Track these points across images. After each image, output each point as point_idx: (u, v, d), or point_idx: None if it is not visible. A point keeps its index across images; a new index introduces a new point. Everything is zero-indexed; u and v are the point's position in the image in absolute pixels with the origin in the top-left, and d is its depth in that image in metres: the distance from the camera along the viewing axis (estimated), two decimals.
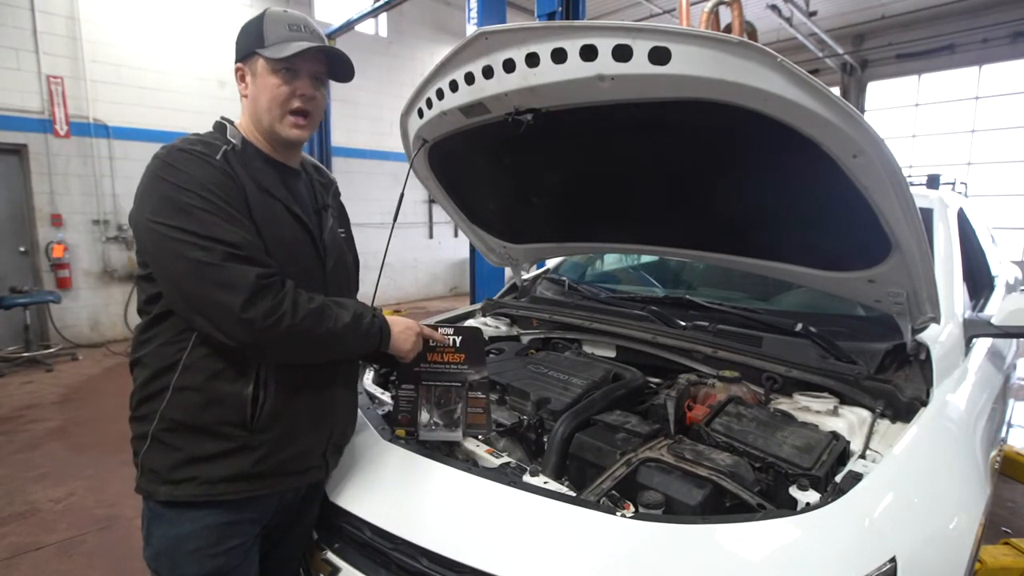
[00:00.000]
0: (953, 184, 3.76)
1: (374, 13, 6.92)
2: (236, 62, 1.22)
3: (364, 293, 1.57)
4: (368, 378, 1.93)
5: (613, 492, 1.23)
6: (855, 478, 1.13)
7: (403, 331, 1.31)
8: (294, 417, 1.16)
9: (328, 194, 1.37)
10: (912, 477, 1.20)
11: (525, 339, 2.33)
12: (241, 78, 1.22)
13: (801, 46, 10.65)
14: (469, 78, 1.43)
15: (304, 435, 1.19)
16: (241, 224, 1.06)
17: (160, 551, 1.10)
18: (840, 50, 10.96)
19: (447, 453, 1.44)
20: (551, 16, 4.16)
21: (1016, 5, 9.43)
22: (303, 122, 1.20)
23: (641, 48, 1.14)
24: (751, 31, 3.68)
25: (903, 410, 1.40)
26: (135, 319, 1.21)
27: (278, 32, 1.16)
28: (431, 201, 10.25)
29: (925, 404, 1.40)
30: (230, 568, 1.16)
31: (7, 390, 5.21)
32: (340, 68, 1.25)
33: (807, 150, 1.19)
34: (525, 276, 2.65)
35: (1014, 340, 2.33)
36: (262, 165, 1.19)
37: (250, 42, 1.18)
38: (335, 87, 8.36)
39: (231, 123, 1.23)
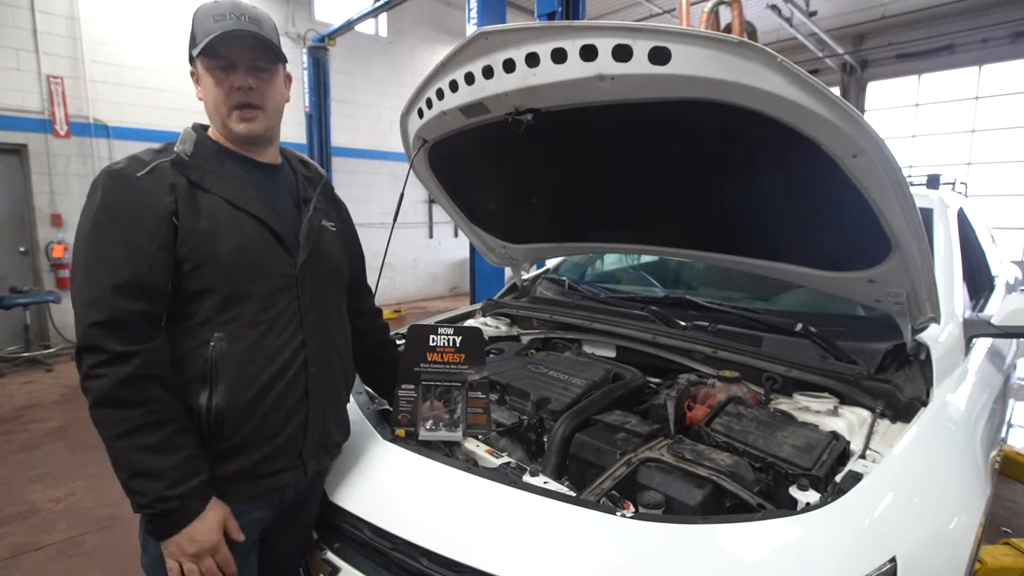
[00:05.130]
0: (953, 184, 3.77)
1: (374, 13, 6.93)
2: (190, 65, 1.19)
3: None
4: None
5: (613, 492, 1.23)
6: (855, 478, 1.13)
7: (202, 530, 1.04)
8: (253, 423, 1.12)
9: (314, 188, 1.34)
10: (912, 477, 1.20)
11: (525, 339, 2.33)
12: (196, 82, 1.19)
13: (801, 46, 10.65)
14: (469, 78, 1.43)
15: (268, 439, 1.15)
16: (134, 252, 1.03)
17: (158, 557, 1.08)
18: (840, 50, 10.95)
19: (447, 453, 1.44)
20: (551, 16, 4.16)
21: (1016, 5, 9.42)
22: (249, 114, 1.16)
23: (641, 48, 1.14)
24: (751, 31, 3.68)
25: (903, 410, 1.40)
26: None
27: (205, 27, 1.11)
28: (431, 201, 10.25)
29: (925, 404, 1.40)
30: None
31: (7, 390, 5.21)
32: (276, 49, 1.17)
33: (807, 150, 1.19)
34: (525, 276, 2.65)
35: (1014, 340, 2.33)
36: (231, 165, 1.18)
37: (189, 43, 1.15)
38: (335, 87, 8.37)
39: (203, 127, 1.22)
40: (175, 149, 1.14)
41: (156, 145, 1.16)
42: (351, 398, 1.61)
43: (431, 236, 10.88)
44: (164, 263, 1.06)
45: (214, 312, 1.10)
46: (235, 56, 1.13)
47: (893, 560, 0.98)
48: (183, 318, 1.10)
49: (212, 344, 1.09)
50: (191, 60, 1.17)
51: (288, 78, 1.28)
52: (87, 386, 1.01)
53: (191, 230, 1.08)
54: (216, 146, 1.20)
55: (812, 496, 1.12)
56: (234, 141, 1.21)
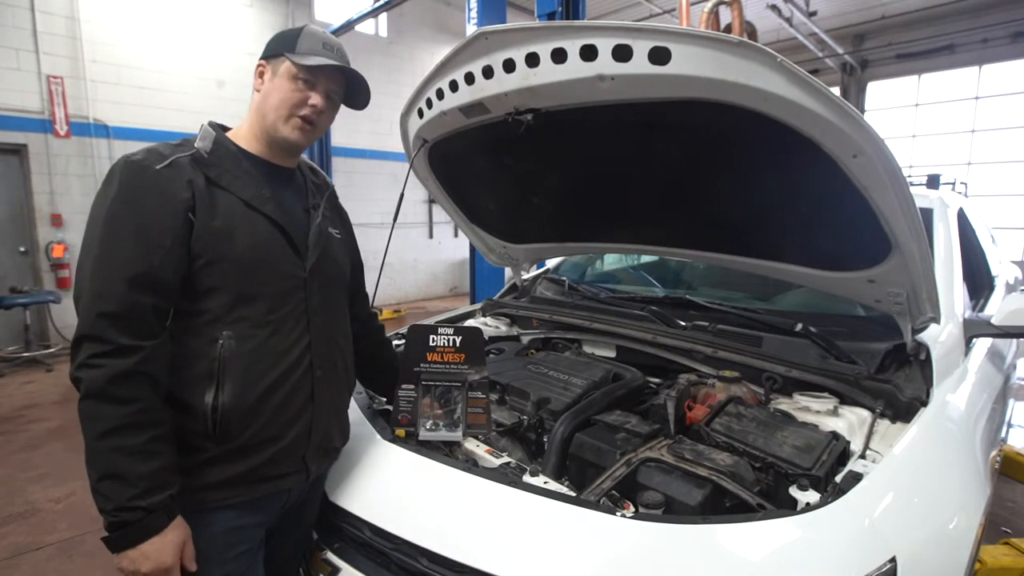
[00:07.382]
0: (953, 184, 3.77)
1: (374, 13, 6.92)
2: (261, 59, 1.23)
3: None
4: None
5: (613, 492, 1.23)
6: (855, 478, 1.13)
7: (158, 549, 1.00)
8: (259, 425, 1.12)
9: (321, 195, 1.37)
10: (912, 477, 1.20)
11: (525, 339, 2.33)
12: (260, 74, 1.22)
13: (801, 46, 10.65)
14: (469, 78, 1.43)
15: (273, 441, 1.15)
16: (148, 245, 1.03)
17: None
18: (840, 50, 10.95)
19: (447, 453, 1.44)
20: (551, 16, 4.16)
21: (1016, 5, 9.42)
22: (308, 127, 1.22)
23: (641, 48, 1.14)
24: (751, 31, 3.68)
25: (903, 410, 1.40)
26: None
27: (311, 45, 1.19)
28: (431, 201, 10.25)
29: (925, 404, 1.40)
30: (239, 574, 1.15)
31: (7, 390, 5.21)
32: (358, 95, 1.30)
33: (807, 150, 1.19)
34: (525, 276, 2.65)
35: (1014, 340, 2.33)
36: (248, 166, 1.19)
37: (281, 45, 1.21)
38: None
39: (220, 128, 1.23)
40: (195, 145, 1.14)
41: (173, 140, 1.16)
42: (351, 399, 1.61)
43: (431, 236, 10.88)
44: (176, 259, 1.06)
45: (224, 310, 1.10)
46: (321, 80, 1.21)
47: (893, 560, 0.98)
48: (192, 315, 1.10)
49: (220, 342, 1.09)
50: (272, 56, 1.21)
51: None
52: (81, 375, 1.00)
53: (206, 227, 1.09)
54: (235, 147, 1.21)
55: (812, 496, 1.12)
56: (268, 143, 1.23)
